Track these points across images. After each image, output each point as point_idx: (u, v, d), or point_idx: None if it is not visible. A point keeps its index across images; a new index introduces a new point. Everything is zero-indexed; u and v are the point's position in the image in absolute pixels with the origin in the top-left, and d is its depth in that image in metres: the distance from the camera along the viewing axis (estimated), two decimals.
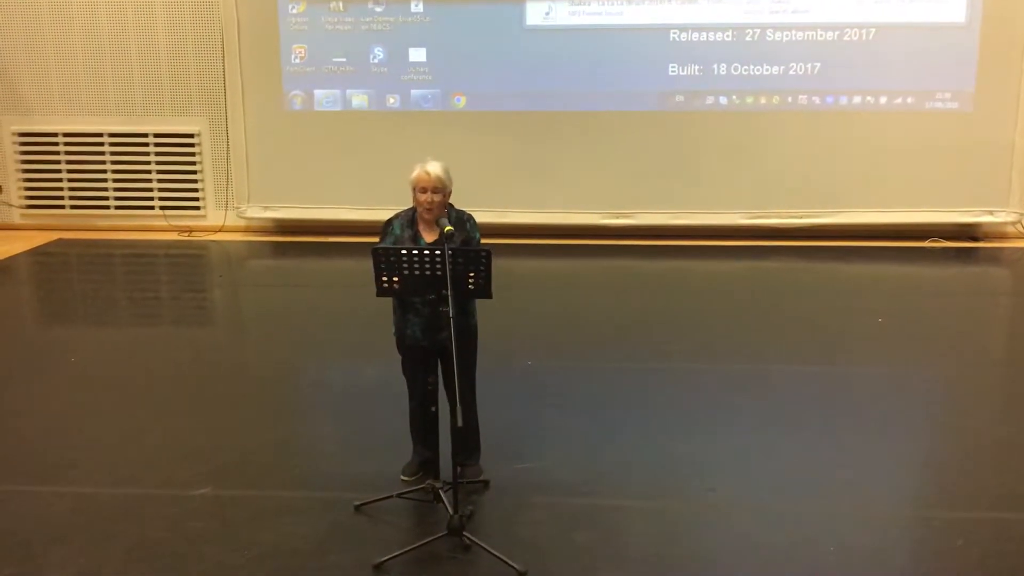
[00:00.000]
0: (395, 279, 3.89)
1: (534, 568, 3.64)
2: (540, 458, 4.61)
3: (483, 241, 4.22)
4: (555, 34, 9.12)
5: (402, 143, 8.87)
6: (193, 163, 9.74)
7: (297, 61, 9.33)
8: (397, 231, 4.18)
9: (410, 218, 4.19)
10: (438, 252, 3.81)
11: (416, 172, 4.08)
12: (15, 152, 9.80)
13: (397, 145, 8.93)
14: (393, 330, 4.26)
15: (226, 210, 9.74)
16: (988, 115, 8.98)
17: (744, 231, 9.27)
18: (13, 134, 9.75)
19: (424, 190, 4.05)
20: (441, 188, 4.06)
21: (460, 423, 3.76)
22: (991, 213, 9.18)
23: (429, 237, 4.12)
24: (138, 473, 4.51)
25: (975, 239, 9.32)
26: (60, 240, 9.51)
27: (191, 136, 9.66)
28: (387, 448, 4.57)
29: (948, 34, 8.90)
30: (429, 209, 4.07)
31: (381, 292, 3.96)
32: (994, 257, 9.04)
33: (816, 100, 9.10)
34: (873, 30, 8.92)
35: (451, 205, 4.18)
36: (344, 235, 9.19)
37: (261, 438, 4.92)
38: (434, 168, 4.06)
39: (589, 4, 9.05)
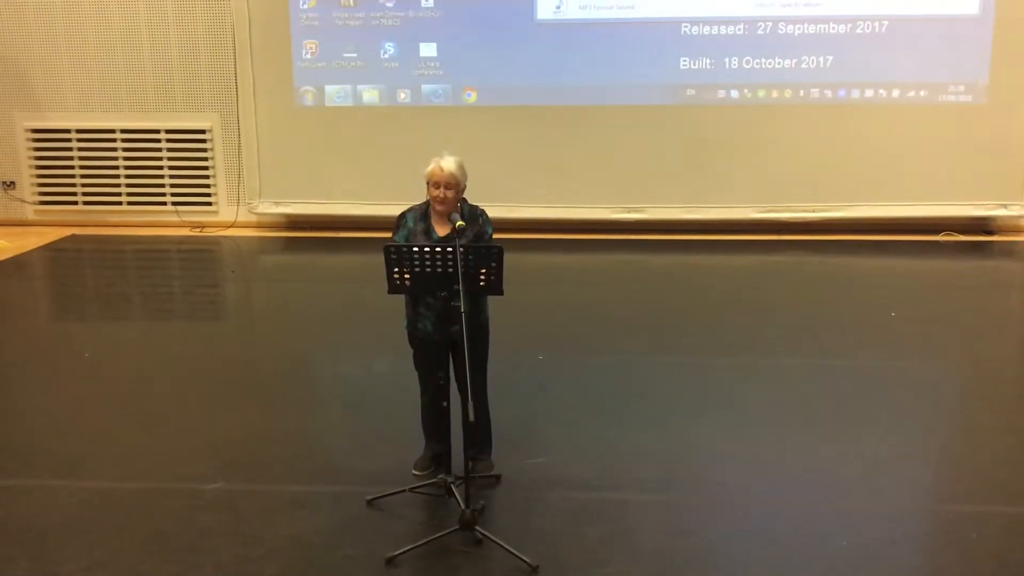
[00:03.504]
0: (406, 276, 3.89)
1: (546, 562, 3.64)
2: (552, 452, 4.61)
3: (494, 236, 4.21)
4: (566, 28, 9.09)
5: (413, 138, 8.86)
6: (205, 159, 9.76)
7: (308, 56, 9.34)
8: (410, 224, 4.18)
9: (423, 212, 4.19)
10: (449, 249, 3.81)
11: (431, 167, 4.08)
12: (29, 148, 9.84)
13: (408, 140, 8.93)
14: (405, 323, 4.26)
15: (238, 206, 9.76)
16: (1002, 108, 8.91)
17: (756, 225, 9.24)
18: (27, 130, 9.79)
19: (438, 185, 4.06)
20: (455, 184, 4.06)
21: (472, 418, 3.76)
22: (1005, 207, 9.12)
23: (442, 231, 4.13)
24: (151, 467, 4.53)
25: (988, 233, 9.26)
26: (73, 236, 9.55)
27: (203, 132, 9.68)
28: (399, 442, 4.58)
29: (961, 26, 8.84)
30: (442, 202, 4.07)
31: (393, 289, 3.97)
32: (1007, 251, 8.98)
33: (828, 93, 9.06)
34: (886, 23, 8.87)
35: (464, 200, 4.18)
36: (355, 230, 9.20)
37: (273, 432, 4.94)
38: (448, 164, 4.06)
39: None
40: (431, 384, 4.25)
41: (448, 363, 4.21)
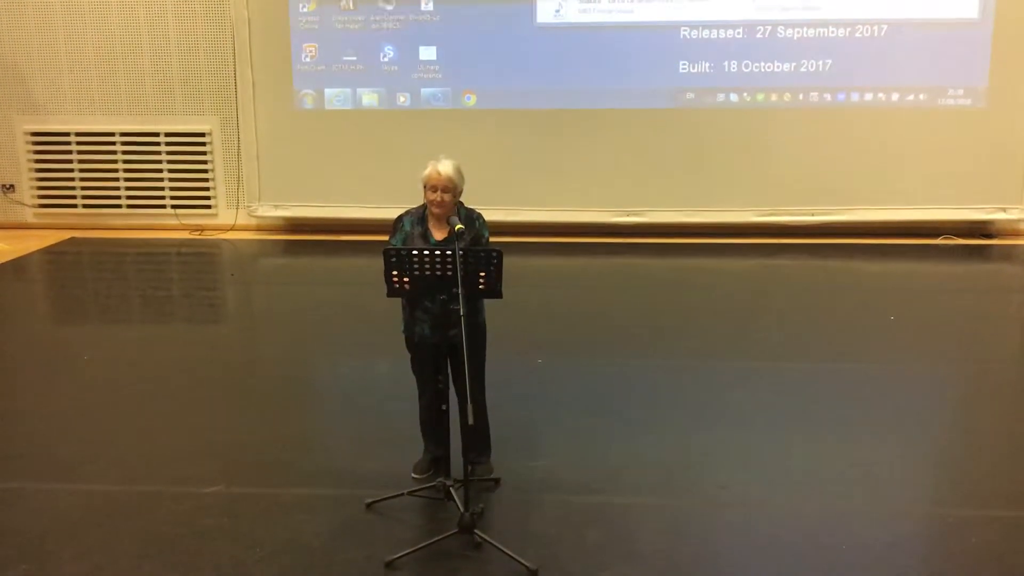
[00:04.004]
0: (405, 279, 3.88)
1: (545, 566, 3.64)
2: (551, 456, 4.61)
3: (493, 239, 4.22)
4: (565, 32, 9.11)
5: (412, 141, 8.87)
6: (204, 162, 9.77)
7: (308, 60, 9.35)
8: (407, 227, 4.18)
9: (420, 215, 4.19)
10: (448, 252, 3.81)
11: (428, 170, 4.08)
12: (28, 151, 9.85)
13: (407, 143, 8.94)
14: (402, 327, 4.26)
15: (237, 209, 9.77)
16: (1001, 112, 8.93)
17: (755, 229, 9.25)
18: (26, 134, 9.80)
19: (435, 188, 4.06)
20: (452, 188, 4.06)
21: (471, 421, 3.76)
22: (1004, 210, 9.14)
23: (439, 234, 4.13)
24: (150, 470, 4.52)
25: (987, 236, 9.27)
26: (73, 239, 9.55)
27: (202, 135, 9.69)
28: (398, 446, 4.58)
29: (961, 30, 8.86)
30: (439, 206, 4.07)
31: (392, 292, 3.96)
32: (1007, 254, 8.99)
33: (827, 97, 9.07)
34: (885, 26, 8.89)
35: (461, 203, 4.18)
36: (354, 233, 9.21)
37: (272, 435, 4.93)
38: (445, 168, 4.06)
39: (600, 1, 9.04)
40: (429, 388, 4.25)
41: (446, 367, 4.20)
